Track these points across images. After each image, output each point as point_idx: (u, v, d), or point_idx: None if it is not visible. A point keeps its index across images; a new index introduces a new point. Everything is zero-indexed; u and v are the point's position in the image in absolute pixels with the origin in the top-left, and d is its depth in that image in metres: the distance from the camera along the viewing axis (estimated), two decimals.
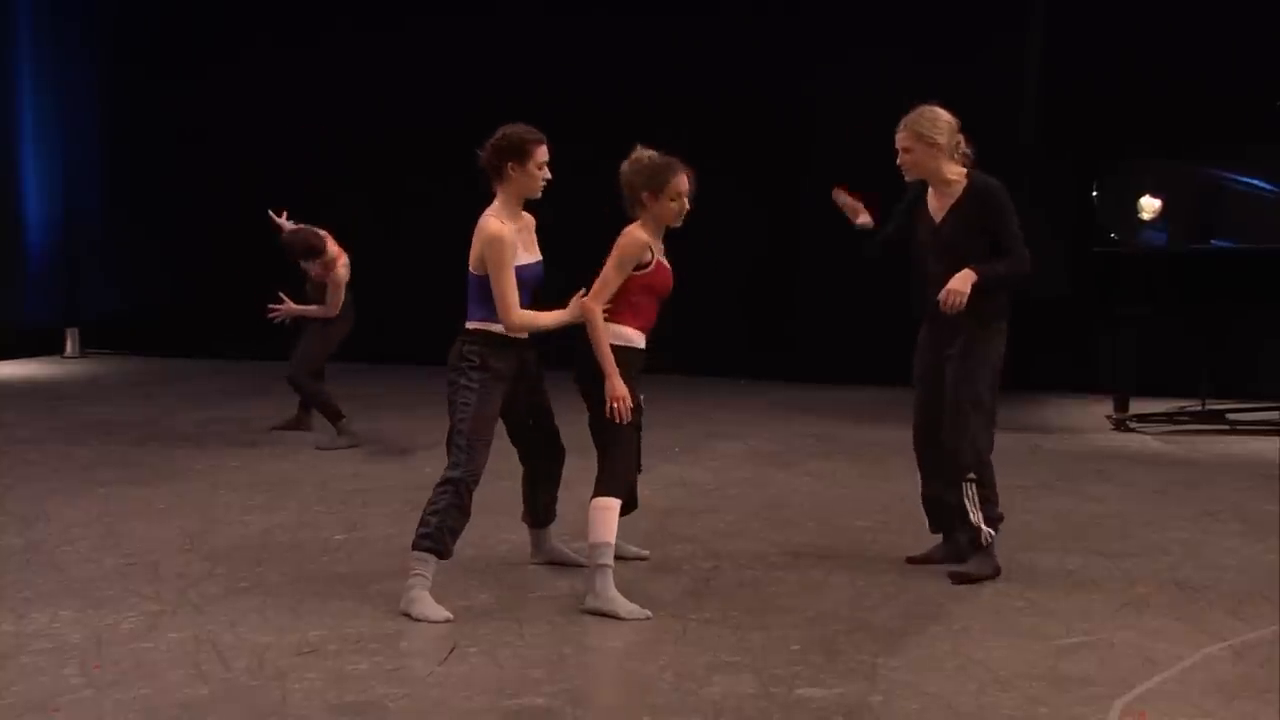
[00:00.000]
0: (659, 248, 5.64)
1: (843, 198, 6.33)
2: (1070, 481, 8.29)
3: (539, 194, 5.65)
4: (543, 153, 5.58)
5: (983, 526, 5.86)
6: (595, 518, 5.46)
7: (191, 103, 14.36)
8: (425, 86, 13.38)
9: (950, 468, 5.90)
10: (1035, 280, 6.03)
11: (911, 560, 6.18)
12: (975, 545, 5.89)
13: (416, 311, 11.99)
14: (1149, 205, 10.52)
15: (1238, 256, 10.53)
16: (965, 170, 5.91)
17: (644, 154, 5.64)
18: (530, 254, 5.66)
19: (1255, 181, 10.76)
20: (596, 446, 5.64)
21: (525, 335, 5.64)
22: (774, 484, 8.17)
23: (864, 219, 6.27)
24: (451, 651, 4.93)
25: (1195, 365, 10.85)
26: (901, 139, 5.91)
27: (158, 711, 4.34)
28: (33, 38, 14.97)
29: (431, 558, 5.42)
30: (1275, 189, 10.79)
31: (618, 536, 5.51)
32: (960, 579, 5.85)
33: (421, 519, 5.49)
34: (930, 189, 5.99)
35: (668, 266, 5.68)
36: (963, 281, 5.69)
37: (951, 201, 5.90)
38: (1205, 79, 11.18)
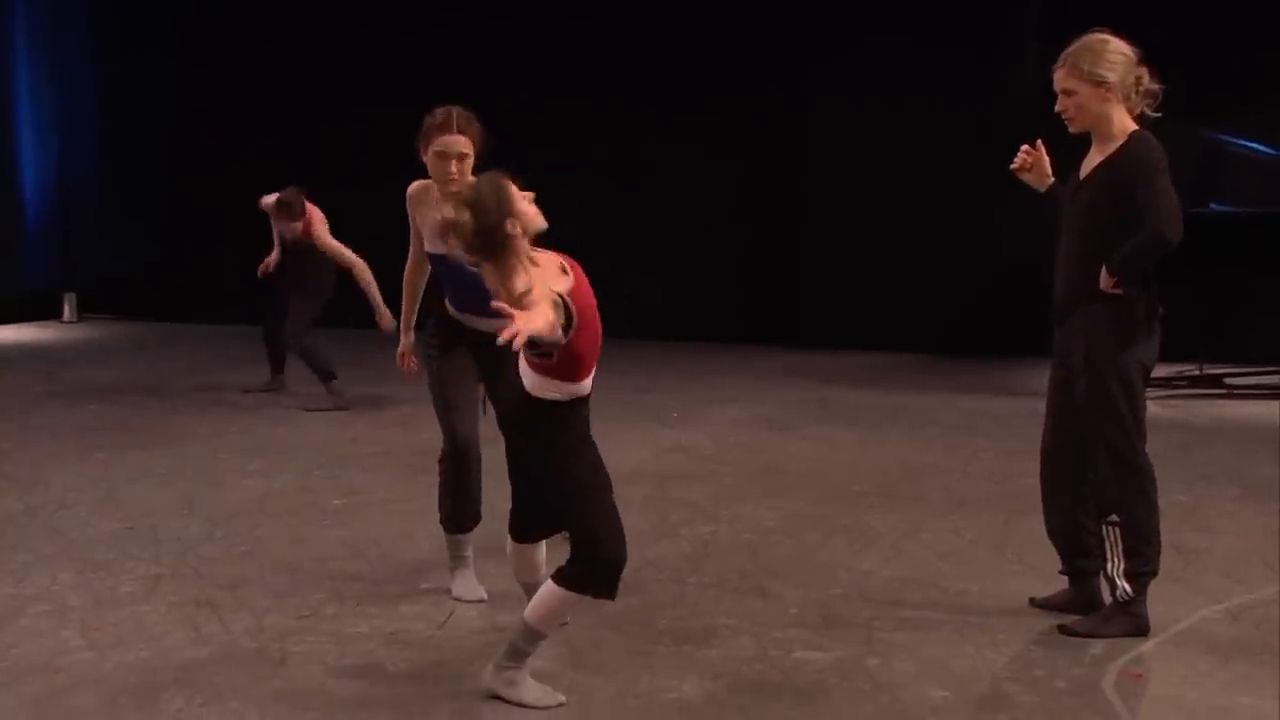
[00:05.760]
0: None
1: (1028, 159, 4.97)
2: None
3: (444, 189, 4.79)
4: (440, 143, 4.79)
5: (1118, 580, 4.73)
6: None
7: (186, 71, 14.38)
8: (426, 74, 13.31)
9: (1094, 503, 4.85)
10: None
11: (1034, 603, 5.08)
12: (1112, 598, 4.79)
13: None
14: None
15: (1236, 220, 10.51)
16: (1134, 126, 4.66)
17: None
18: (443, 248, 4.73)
19: (1254, 145, 10.73)
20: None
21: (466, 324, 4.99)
22: (772, 449, 8.18)
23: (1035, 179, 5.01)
24: (450, 615, 4.95)
25: (1192, 329, 10.83)
26: (1060, 79, 4.65)
27: (158, 673, 4.35)
28: (28, 9, 14.93)
29: (459, 536, 5.18)
30: (1275, 152, 10.76)
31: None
32: (1073, 633, 4.75)
33: (438, 501, 5.27)
34: (1093, 144, 4.73)
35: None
36: (1107, 281, 4.64)
37: (1103, 157, 4.67)
38: (1204, 40, 11.13)
